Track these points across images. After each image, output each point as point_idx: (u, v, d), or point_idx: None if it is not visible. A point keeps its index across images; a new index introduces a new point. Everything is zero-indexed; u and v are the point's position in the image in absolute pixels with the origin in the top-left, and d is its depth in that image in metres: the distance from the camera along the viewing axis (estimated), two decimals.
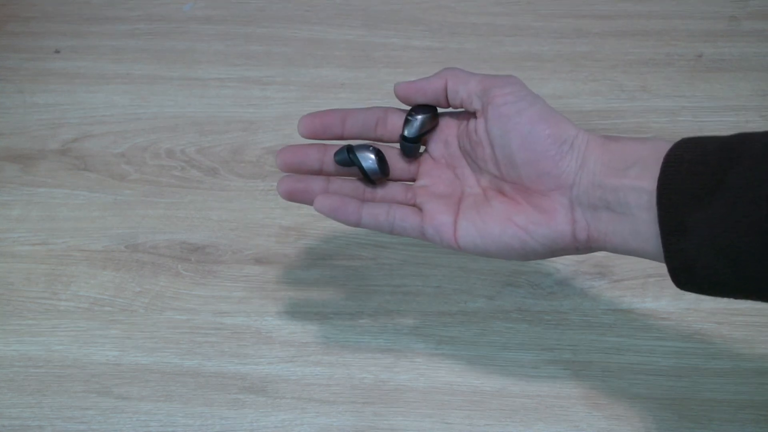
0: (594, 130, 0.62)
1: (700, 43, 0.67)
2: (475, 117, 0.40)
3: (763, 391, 0.49)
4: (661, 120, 0.62)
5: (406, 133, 0.42)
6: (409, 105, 0.42)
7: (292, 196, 0.42)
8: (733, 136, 0.33)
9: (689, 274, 0.33)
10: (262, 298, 0.54)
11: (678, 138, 0.35)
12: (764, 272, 0.31)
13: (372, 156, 0.41)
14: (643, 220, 0.34)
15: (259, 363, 0.51)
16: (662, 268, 0.34)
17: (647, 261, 0.36)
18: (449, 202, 0.41)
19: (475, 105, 0.39)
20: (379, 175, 0.42)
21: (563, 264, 0.54)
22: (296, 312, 0.53)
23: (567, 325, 0.52)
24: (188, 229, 0.57)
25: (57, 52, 0.69)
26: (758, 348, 0.50)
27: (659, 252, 0.34)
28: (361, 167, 0.41)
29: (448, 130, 0.42)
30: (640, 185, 0.34)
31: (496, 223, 0.39)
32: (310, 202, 0.41)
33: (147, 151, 0.62)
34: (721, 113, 0.63)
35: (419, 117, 0.41)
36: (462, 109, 0.41)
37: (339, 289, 0.54)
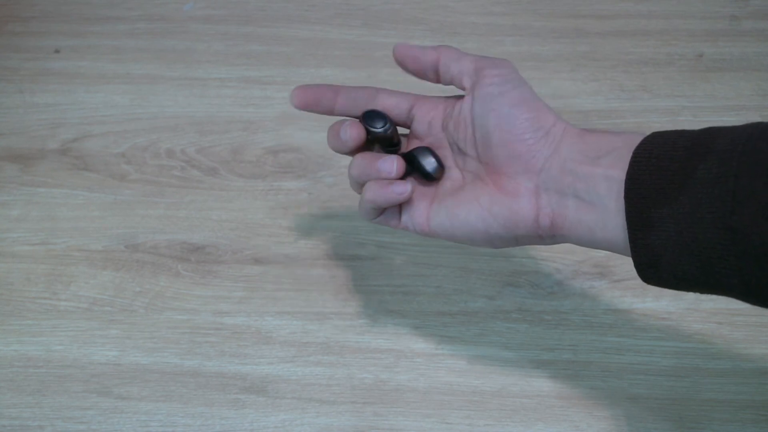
0: None
1: (701, 42, 0.67)
2: (463, 97, 0.40)
3: (763, 391, 0.49)
4: (662, 120, 0.62)
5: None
6: (402, 68, 0.42)
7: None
8: (701, 131, 0.33)
9: (655, 269, 0.33)
10: (262, 298, 0.54)
11: None
12: (729, 268, 0.31)
13: (432, 158, 0.42)
14: (611, 210, 0.35)
15: (259, 363, 0.51)
16: None
17: None
18: (426, 191, 0.42)
19: (465, 83, 0.40)
20: (442, 171, 0.42)
21: (563, 264, 0.54)
22: (296, 312, 0.53)
23: (567, 325, 0.52)
24: (188, 229, 0.57)
25: (57, 52, 0.69)
26: (758, 348, 0.50)
27: (626, 245, 0.34)
28: (425, 172, 0.42)
29: (434, 112, 0.43)
30: (612, 174, 0.34)
31: (464, 204, 0.39)
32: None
33: (147, 151, 0.62)
34: (721, 113, 0.63)
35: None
36: (451, 86, 0.41)
37: (339, 289, 0.54)
